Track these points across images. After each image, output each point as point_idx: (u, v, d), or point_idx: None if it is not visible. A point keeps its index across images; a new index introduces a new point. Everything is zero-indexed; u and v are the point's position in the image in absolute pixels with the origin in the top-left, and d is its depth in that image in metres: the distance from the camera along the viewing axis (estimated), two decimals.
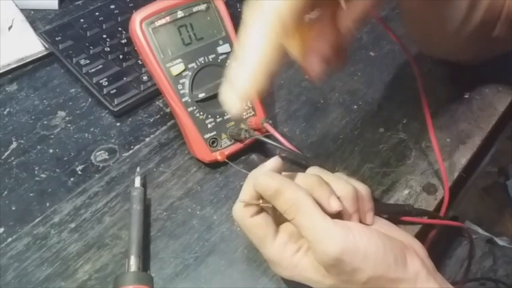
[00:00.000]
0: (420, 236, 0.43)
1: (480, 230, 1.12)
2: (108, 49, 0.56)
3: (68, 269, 0.41)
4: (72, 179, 0.47)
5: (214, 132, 0.47)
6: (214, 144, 0.47)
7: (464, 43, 0.49)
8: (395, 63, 0.58)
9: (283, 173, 0.38)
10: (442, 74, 0.57)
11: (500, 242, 1.11)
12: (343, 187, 0.38)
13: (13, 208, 0.45)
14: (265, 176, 0.36)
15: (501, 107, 0.54)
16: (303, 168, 0.41)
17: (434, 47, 0.54)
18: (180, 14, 0.45)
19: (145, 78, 0.53)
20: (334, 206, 0.36)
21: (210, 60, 0.46)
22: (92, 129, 0.51)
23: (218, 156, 0.46)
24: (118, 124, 0.52)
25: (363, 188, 0.39)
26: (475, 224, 1.12)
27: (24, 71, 0.57)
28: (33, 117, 0.52)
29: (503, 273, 1.07)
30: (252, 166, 0.41)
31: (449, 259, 1.06)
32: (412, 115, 0.53)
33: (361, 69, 0.58)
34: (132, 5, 0.61)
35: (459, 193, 0.55)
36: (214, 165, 0.47)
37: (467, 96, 0.55)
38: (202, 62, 0.46)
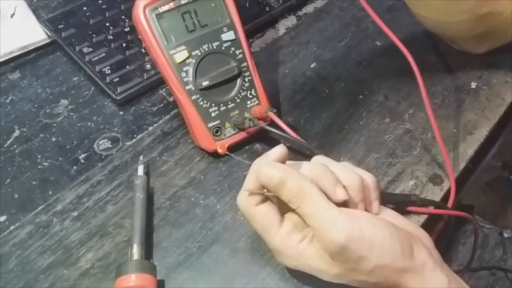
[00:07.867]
0: (427, 226, 0.43)
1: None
2: (111, 37, 0.55)
3: (71, 257, 0.40)
4: (74, 168, 0.47)
5: (218, 121, 0.46)
6: (218, 133, 0.46)
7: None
8: (401, 53, 0.57)
9: (288, 162, 0.38)
10: (449, 64, 0.57)
11: (506, 234, 1.12)
12: (349, 176, 0.37)
13: (15, 196, 0.44)
14: (267, 167, 0.35)
15: (509, 97, 0.54)
16: (308, 158, 0.40)
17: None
18: (184, 0, 0.44)
19: (148, 66, 0.53)
20: (340, 195, 0.36)
21: (214, 47, 0.46)
22: (94, 118, 0.51)
23: (219, 149, 0.46)
24: (121, 113, 0.51)
25: (368, 177, 0.39)
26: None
27: (26, 59, 0.56)
28: (35, 106, 0.52)
29: None
30: (256, 156, 0.41)
31: (463, 245, 1.08)
32: (418, 105, 0.52)
33: (367, 58, 0.57)
34: None
35: (465, 185, 0.54)
36: (218, 154, 0.47)
37: (474, 87, 0.55)
38: (206, 49, 0.45)
